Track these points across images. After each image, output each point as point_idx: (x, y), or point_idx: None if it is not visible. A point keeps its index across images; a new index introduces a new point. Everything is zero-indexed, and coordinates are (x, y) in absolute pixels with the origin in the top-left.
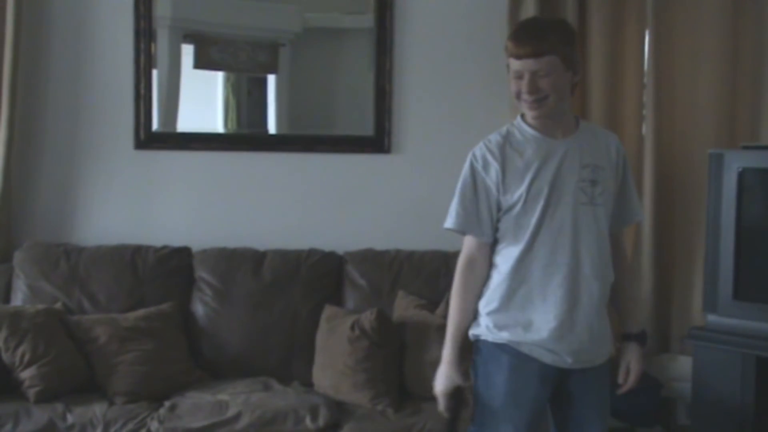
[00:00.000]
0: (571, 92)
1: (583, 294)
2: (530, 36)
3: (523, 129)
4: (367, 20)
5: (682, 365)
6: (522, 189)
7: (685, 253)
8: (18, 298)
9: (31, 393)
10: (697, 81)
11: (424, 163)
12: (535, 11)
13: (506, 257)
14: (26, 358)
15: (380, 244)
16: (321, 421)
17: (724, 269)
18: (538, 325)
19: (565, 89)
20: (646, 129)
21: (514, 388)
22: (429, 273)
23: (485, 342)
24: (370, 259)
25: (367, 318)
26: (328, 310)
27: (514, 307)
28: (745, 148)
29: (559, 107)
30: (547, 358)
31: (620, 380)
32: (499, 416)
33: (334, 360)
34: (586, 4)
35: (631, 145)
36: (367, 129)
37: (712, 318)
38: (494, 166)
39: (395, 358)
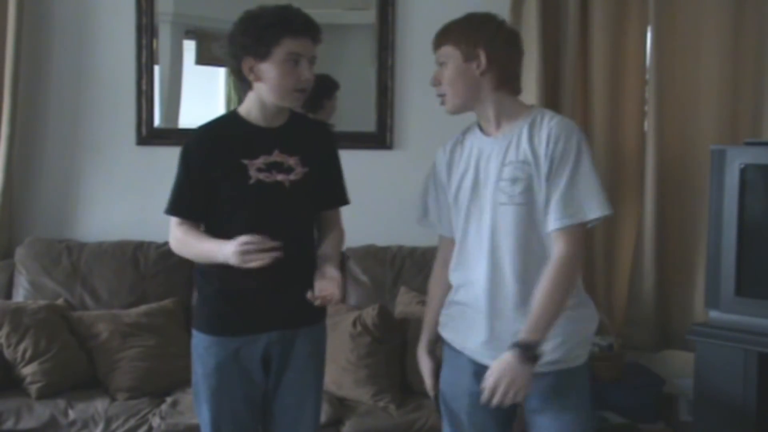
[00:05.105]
0: (496, 85)
1: (507, 299)
2: (443, 26)
3: (474, 126)
4: (369, 16)
5: (685, 361)
6: (453, 188)
7: (687, 250)
8: (20, 294)
9: (33, 389)
10: (699, 77)
11: (426, 159)
12: (536, 7)
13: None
14: (28, 354)
15: (382, 240)
16: (323, 417)
17: (727, 265)
18: (468, 333)
19: (468, 82)
20: (648, 125)
21: (451, 381)
22: (431, 269)
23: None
24: (372, 255)
25: (369, 314)
26: (330, 306)
27: (454, 309)
28: (748, 144)
29: (468, 102)
30: (479, 358)
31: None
32: (443, 407)
33: (336, 356)
34: (588, 0)
35: (633, 141)
36: (369, 125)
37: (714, 314)
38: (444, 163)
39: (397, 355)
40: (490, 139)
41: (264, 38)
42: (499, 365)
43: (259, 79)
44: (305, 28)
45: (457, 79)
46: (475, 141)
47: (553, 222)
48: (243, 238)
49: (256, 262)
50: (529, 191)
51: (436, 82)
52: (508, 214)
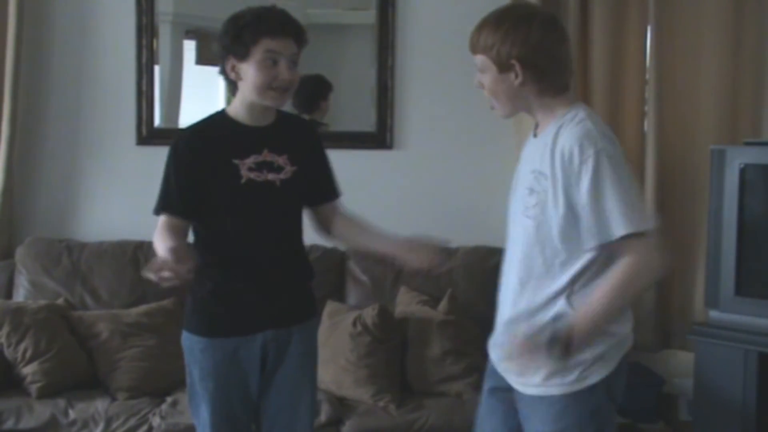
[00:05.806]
0: (539, 91)
1: (504, 311)
2: (475, 28)
3: None
4: (369, 16)
5: (684, 361)
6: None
7: (687, 249)
8: (20, 294)
9: (33, 389)
10: (699, 77)
11: (426, 159)
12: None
13: None
14: (28, 353)
15: None
16: (323, 417)
17: (726, 265)
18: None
19: (508, 93)
20: (648, 125)
21: (488, 373)
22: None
23: None
24: (372, 254)
25: (369, 314)
26: (330, 306)
27: None
28: (747, 144)
29: (516, 109)
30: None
31: None
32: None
33: (336, 356)
34: (588, 0)
35: (633, 141)
36: (369, 125)
37: (714, 314)
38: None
39: (397, 354)
40: (532, 141)
41: (242, 38)
42: (528, 339)
43: (240, 78)
44: (284, 27)
45: (497, 91)
46: (528, 142)
47: (584, 242)
48: (167, 253)
49: (168, 282)
50: (541, 206)
51: (479, 86)
52: (520, 225)
